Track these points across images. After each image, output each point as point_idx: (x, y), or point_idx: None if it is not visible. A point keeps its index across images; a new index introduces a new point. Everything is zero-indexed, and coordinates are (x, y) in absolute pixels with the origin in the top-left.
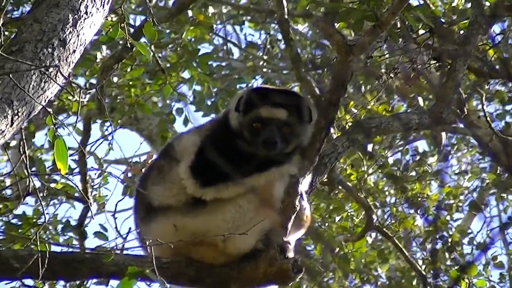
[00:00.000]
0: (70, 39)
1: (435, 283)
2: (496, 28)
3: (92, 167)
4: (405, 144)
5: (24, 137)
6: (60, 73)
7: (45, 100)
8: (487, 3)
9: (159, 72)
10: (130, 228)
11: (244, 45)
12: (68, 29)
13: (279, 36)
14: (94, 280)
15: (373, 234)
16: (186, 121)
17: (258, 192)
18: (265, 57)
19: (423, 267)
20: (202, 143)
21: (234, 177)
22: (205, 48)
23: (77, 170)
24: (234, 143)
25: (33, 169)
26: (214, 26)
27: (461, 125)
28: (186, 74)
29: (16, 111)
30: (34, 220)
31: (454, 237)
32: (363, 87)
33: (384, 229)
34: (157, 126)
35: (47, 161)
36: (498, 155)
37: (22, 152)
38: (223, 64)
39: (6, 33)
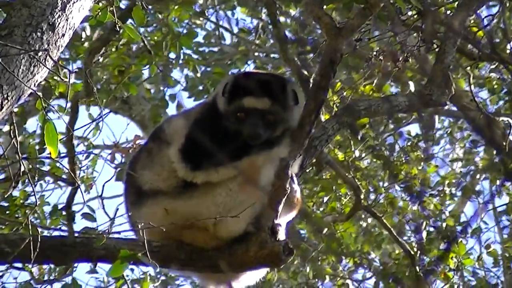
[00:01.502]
0: (59, 23)
1: (423, 263)
2: (484, 11)
3: (81, 151)
4: (398, 128)
5: (14, 122)
6: (50, 56)
7: (34, 84)
8: None
9: (145, 53)
10: (117, 209)
11: (236, 30)
12: (57, 13)
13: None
14: (87, 269)
15: (369, 220)
16: (179, 107)
17: (248, 175)
18: (257, 42)
19: (418, 252)
20: (192, 126)
21: (224, 160)
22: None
23: (65, 153)
24: (224, 126)
25: (25, 155)
26: (206, 11)
27: (453, 108)
28: (173, 55)
29: (5, 95)
30: (20, 202)
31: (448, 222)
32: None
33: (373, 209)
34: (149, 111)
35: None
36: (484, 132)
37: (12, 136)
38: (215, 49)
39: None
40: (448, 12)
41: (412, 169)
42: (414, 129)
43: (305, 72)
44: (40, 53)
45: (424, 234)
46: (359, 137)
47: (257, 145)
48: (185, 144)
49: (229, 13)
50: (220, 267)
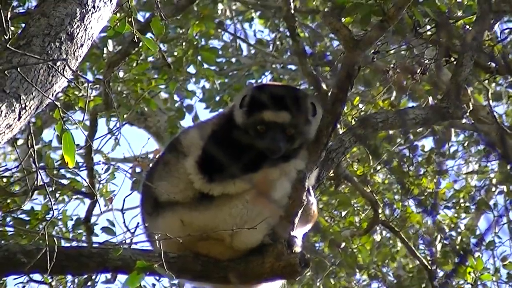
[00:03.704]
0: (77, 33)
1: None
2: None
3: (99, 161)
4: (413, 142)
5: (32, 132)
6: (68, 66)
7: (52, 94)
8: None
9: (165, 67)
10: (138, 223)
11: (253, 41)
12: (75, 23)
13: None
14: (103, 279)
15: (383, 232)
16: (196, 118)
17: (265, 187)
18: (274, 53)
19: (434, 267)
20: (208, 138)
21: (241, 172)
22: (213, 45)
23: (82, 163)
24: (240, 138)
25: (41, 164)
26: (224, 22)
27: (469, 122)
28: (192, 69)
29: (23, 105)
30: (42, 216)
31: (463, 234)
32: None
33: (390, 224)
34: (166, 122)
35: (55, 159)
36: (497, 145)
37: (30, 146)
38: (233, 60)
39: (13, 28)
40: (466, 26)
41: (424, 181)
42: (428, 143)
43: (324, 86)
44: (58, 63)
45: (439, 247)
46: (370, 150)
47: (274, 158)
48: (202, 156)
49: (246, 25)
50: (235, 278)
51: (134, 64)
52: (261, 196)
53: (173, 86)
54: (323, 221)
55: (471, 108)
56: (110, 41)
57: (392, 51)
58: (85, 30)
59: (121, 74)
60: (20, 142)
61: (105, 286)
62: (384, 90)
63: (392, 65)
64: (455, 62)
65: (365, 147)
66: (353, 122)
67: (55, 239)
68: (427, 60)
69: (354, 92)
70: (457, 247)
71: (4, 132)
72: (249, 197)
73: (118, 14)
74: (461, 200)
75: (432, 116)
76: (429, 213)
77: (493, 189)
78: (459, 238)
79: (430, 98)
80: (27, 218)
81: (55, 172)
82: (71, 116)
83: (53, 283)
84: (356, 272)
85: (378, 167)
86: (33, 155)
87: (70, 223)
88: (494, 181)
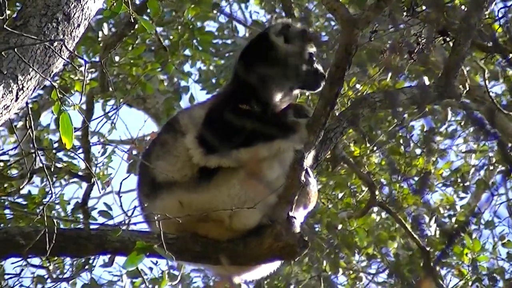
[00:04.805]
0: (74, 13)
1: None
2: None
3: (97, 141)
4: (409, 121)
5: (30, 113)
6: (65, 47)
7: (50, 75)
8: None
9: (161, 50)
10: (135, 206)
11: (249, 23)
12: (72, 3)
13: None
14: (100, 263)
15: (383, 214)
16: (192, 99)
17: (262, 163)
18: None
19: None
20: (208, 114)
21: (238, 145)
22: (209, 27)
23: (79, 145)
24: (241, 113)
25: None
26: (220, 3)
27: (466, 100)
28: (188, 52)
29: (21, 86)
30: (39, 200)
31: (459, 217)
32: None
33: (387, 205)
34: (163, 104)
35: (54, 140)
36: (484, 124)
37: (28, 127)
38: (228, 41)
39: (8, 12)
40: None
41: (421, 161)
42: (424, 123)
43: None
44: (55, 44)
45: (433, 228)
46: (362, 133)
47: (273, 131)
48: (201, 130)
49: (242, 6)
50: (234, 259)
51: (130, 48)
52: (257, 172)
53: (170, 69)
54: (320, 203)
55: (467, 88)
56: (105, 25)
57: (389, 30)
58: (82, 10)
59: (116, 58)
60: (19, 125)
61: (103, 269)
62: (379, 71)
63: (387, 46)
64: (452, 41)
65: (355, 131)
66: (349, 103)
67: (54, 220)
68: (424, 40)
69: (351, 73)
70: (453, 226)
71: (1, 113)
72: (247, 177)
73: None
74: (459, 180)
75: (431, 95)
76: (420, 193)
77: (491, 168)
78: (454, 218)
79: (426, 78)
80: (25, 202)
81: (52, 154)
82: (68, 98)
83: (51, 267)
84: (355, 253)
85: (374, 148)
86: (32, 136)
87: (68, 208)
88: (493, 160)
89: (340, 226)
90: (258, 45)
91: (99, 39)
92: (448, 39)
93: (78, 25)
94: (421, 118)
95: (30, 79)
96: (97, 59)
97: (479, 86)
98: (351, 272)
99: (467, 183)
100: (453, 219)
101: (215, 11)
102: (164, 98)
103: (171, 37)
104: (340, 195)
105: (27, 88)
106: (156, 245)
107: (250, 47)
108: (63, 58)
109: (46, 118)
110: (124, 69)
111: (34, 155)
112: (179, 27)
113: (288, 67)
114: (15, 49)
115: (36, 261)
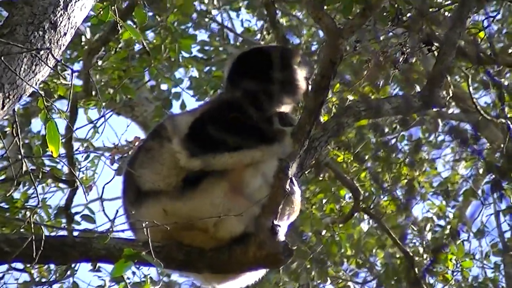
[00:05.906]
0: (61, 22)
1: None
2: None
3: (80, 151)
4: (400, 131)
5: (16, 120)
6: (52, 55)
7: (36, 83)
8: None
9: (144, 55)
10: (117, 211)
11: (240, 31)
12: (59, 11)
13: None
14: (89, 267)
15: (370, 222)
16: (183, 106)
17: (246, 169)
18: (262, 43)
19: (425, 256)
20: (197, 119)
21: (223, 149)
22: (201, 34)
23: (64, 153)
24: (229, 119)
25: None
26: (213, 11)
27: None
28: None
29: (7, 94)
30: (21, 204)
31: (453, 224)
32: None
33: (371, 211)
34: (152, 112)
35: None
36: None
37: (15, 135)
38: (220, 49)
39: None
40: (447, 13)
41: (405, 170)
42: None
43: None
44: (42, 52)
45: (429, 236)
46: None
47: (258, 136)
48: (188, 133)
49: (233, 14)
50: (219, 267)
51: (113, 52)
52: (241, 181)
53: (153, 73)
54: (305, 209)
55: (451, 94)
56: (88, 29)
57: (372, 40)
58: (69, 18)
59: (99, 62)
60: (9, 130)
61: (93, 274)
62: (363, 77)
63: (371, 56)
64: (437, 50)
65: (337, 145)
66: (334, 110)
67: (42, 227)
68: (409, 49)
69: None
70: (429, 244)
71: None
72: (231, 185)
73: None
74: (449, 188)
75: (416, 105)
76: (405, 205)
77: (481, 178)
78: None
79: (417, 87)
80: (7, 206)
81: (41, 161)
82: (54, 105)
83: (34, 272)
84: (343, 262)
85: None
86: (18, 143)
87: (51, 212)
88: (481, 170)
89: (324, 232)
90: (268, 62)
91: (82, 43)
92: (433, 48)
93: (65, 34)
94: (409, 128)
95: (16, 87)
96: (81, 63)
97: (469, 96)
98: (339, 281)
99: (454, 193)
100: (442, 229)
101: (206, 19)
102: (153, 106)
103: (154, 41)
104: (324, 201)
105: (13, 97)
106: (144, 252)
107: (254, 61)
108: (49, 67)
109: (37, 124)
110: (107, 73)
111: (21, 163)
112: (161, 31)
113: (296, 87)
114: (2, 57)
115: (19, 265)
